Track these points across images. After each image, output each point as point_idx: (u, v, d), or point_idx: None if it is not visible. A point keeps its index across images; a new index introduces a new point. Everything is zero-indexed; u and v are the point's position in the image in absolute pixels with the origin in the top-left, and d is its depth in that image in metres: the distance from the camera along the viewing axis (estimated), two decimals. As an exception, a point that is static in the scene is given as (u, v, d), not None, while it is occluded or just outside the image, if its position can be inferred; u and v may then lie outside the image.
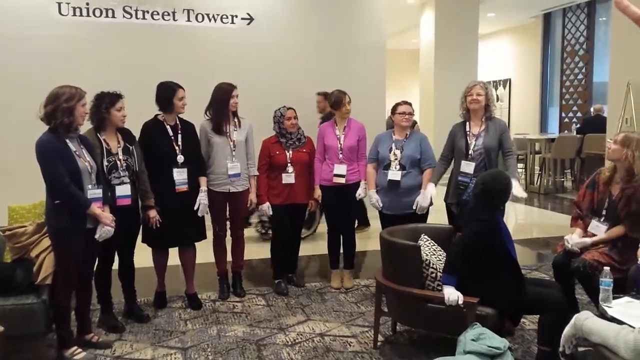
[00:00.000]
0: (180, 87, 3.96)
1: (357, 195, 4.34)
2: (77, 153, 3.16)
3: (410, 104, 4.19)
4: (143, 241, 4.00)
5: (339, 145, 4.41)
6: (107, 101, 3.52)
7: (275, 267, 4.57)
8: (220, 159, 4.16)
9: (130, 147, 3.65)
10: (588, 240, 3.48)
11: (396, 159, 4.11)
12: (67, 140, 3.14)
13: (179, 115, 4.03)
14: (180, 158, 3.94)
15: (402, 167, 4.09)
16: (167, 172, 3.88)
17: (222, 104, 4.16)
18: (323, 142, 4.49)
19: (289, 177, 4.36)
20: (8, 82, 5.86)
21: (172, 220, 3.88)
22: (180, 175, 3.92)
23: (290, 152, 4.39)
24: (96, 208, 3.18)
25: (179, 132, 3.97)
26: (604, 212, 3.54)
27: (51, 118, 3.08)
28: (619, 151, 3.42)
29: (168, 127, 3.96)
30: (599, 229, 3.53)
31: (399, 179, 4.08)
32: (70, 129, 3.13)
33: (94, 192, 3.20)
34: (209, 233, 4.24)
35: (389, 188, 4.12)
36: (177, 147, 3.94)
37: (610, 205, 3.51)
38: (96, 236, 3.23)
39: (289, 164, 4.36)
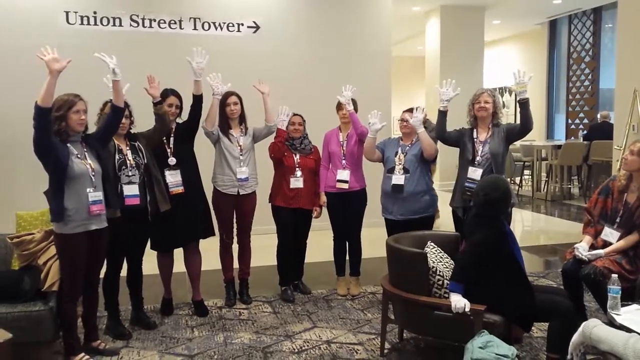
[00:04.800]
0: (172, 94, 4.01)
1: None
2: (78, 156, 3.18)
3: (411, 110, 4.16)
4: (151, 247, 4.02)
5: (342, 151, 4.43)
6: (103, 107, 3.64)
7: (281, 274, 4.58)
8: (229, 162, 4.20)
9: (135, 144, 3.70)
10: (601, 251, 3.46)
11: (400, 163, 4.12)
12: (69, 145, 3.17)
13: (178, 121, 4.08)
14: (172, 160, 3.95)
15: (406, 171, 4.11)
16: (160, 174, 3.89)
17: (220, 111, 4.21)
18: (327, 148, 4.51)
19: (297, 182, 4.38)
20: (16, 91, 5.89)
21: (171, 222, 3.88)
22: (173, 177, 3.93)
23: (298, 156, 4.41)
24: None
25: (172, 134, 4.00)
26: (618, 219, 3.54)
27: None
28: (637, 162, 3.44)
29: None
30: (612, 236, 3.52)
31: (402, 182, 4.09)
32: (63, 136, 3.15)
33: (94, 195, 3.21)
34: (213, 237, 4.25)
35: (392, 193, 4.13)
36: (168, 150, 3.96)
37: (626, 212, 3.50)
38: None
39: (297, 168, 4.38)
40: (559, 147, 9.31)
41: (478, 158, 3.93)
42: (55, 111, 3.09)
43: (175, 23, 6.52)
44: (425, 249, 3.34)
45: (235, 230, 4.41)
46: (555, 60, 11.94)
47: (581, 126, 11.13)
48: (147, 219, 3.74)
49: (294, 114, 4.45)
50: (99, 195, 3.24)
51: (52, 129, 3.07)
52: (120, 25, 6.35)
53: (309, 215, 4.55)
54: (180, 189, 3.95)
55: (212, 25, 6.66)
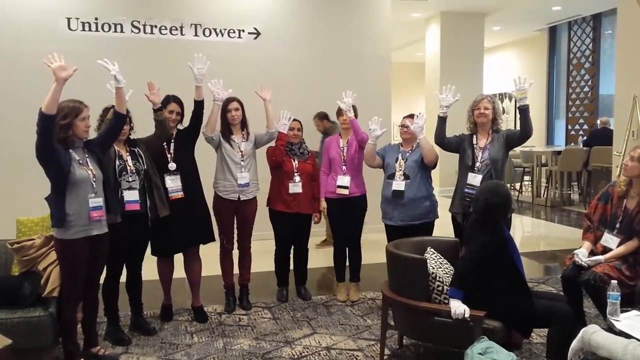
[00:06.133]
0: (174, 101, 4.03)
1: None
2: (80, 161, 3.19)
3: (412, 116, 4.18)
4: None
5: (342, 157, 4.44)
6: (103, 114, 3.66)
7: (279, 277, 4.61)
8: (230, 167, 4.21)
9: (135, 149, 3.71)
10: (601, 257, 3.47)
11: (401, 169, 4.13)
12: (71, 150, 3.18)
13: (179, 127, 4.10)
14: (172, 165, 3.97)
15: (406, 177, 4.12)
16: (160, 179, 3.89)
17: (221, 117, 4.23)
18: (328, 154, 4.53)
19: (296, 187, 4.39)
20: (17, 98, 5.91)
21: (171, 227, 3.89)
22: (173, 183, 3.95)
23: (296, 162, 4.44)
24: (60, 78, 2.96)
25: (172, 140, 4.01)
26: (617, 225, 3.54)
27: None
28: (637, 168, 3.45)
29: None
30: (612, 242, 3.52)
31: (402, 188, 4.10)
32: (68, 144, 3.16)
33: (95, 200, 3.21)
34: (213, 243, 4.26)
35: (392, 198, 4.13)
36: (169, 155, 3.98)
37: (626, 218, 3.51)
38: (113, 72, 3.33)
39: (295, 173, 4.39)
40: (559, 153, 9.32)
41: (478, 164, 3.93)
42: (61, 119, 3.09)
43: (176, 29, 6.55)
44: (425, 254, 3.34)
45: (235, 235, 4.42)
46: (555, 67, 11.97)
47: (581, 132, 11.14)
48: (147, 225, 3.74)
49: (293, 119, 4.47)
50: (99, 201, 3.24)
51: (54, 135, 3.08)
52: (122, 31, 6.37)
53: (308, 220, 4.56)
54: (180, 194, 3.96)
55: (213, 31, 6.68)
